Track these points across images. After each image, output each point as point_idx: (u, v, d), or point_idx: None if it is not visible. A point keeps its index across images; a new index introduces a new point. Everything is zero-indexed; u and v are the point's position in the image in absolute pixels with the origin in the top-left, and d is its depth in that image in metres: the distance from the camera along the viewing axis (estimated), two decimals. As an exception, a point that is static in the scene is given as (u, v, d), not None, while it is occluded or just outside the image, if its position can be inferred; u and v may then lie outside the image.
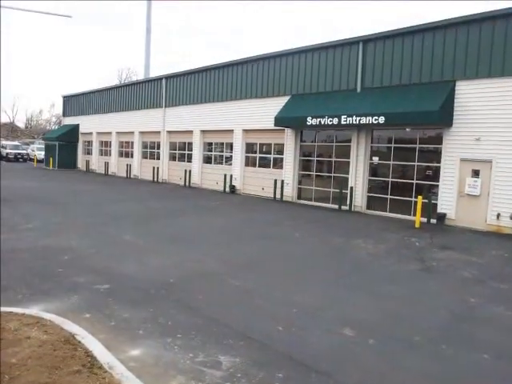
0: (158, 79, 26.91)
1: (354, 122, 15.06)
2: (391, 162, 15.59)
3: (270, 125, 18.51)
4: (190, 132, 24.28)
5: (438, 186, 14.21)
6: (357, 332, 5.22)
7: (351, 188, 16.25)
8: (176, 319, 5.34)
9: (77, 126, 35.96)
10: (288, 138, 18.73)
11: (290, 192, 18.62)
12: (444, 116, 13.40)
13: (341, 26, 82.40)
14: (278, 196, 18.69)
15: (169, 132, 26.30)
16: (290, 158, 18.65)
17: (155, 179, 26.37)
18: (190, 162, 24.47)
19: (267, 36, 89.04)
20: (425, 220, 13.72)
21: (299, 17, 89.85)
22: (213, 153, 23.56)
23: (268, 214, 14.89)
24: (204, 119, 23.22)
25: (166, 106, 26.12)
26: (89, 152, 35.29)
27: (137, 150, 29.12)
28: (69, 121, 37.61)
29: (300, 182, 18.75)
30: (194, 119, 23.88)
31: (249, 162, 21.14)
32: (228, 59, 21.67)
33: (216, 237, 10.58)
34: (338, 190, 16.62)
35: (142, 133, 28.78)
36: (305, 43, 77.78)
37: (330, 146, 17.69)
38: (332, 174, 17.54)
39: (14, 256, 7.79)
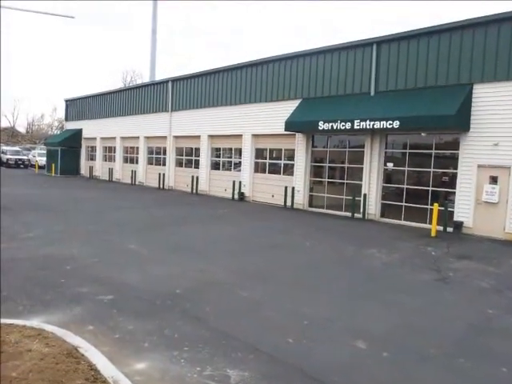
0: (164, 82, 26.66)
1: (368, 127, 14.80)
2: (406, 168, 15.29)
3: (281, 129, 18.30)
4: (198, 137, 24.00)
5: (454, 193, 13.88)
6: (369, 344, 5.10)
7: (364, 195, 15.96)
8: (182, 331, 5.20)
9: (80, 131, 35.51)
10: (299, 144, 18.51)
11: (300, 199, 18.36)
12: (461, 120, 13.10)
13: (341, 26, 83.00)
14: (289, 203, 18.42)
15: (175, 137, 26.02)
16: (301, 163, 18.40)
17: (161, 186, 25.98)
18: (198, 168, 24.14)
19: (267, 36, 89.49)
20: (441, 228, 13.44)
21: (299, 17, 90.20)
22: (221, 159, 23.34)
23: (278, 222, 14.70)
24: (212, 124, 22.95)
25: (172, 110, 25.86)
26: (92, 158, 34.97)
27: (142, 156, 28.87)
28: (71, 125, 37.23)
29: (311, 189, 18.48)
30: (202, 124, 23.59)
31: (258, 168, 20.92)
32: (228, 60, 21.77)
33: (224, 246, 10.42)
34: (350, 198, 16.31)
35: (147, 138, 28.46)
36: (305, 43, 77.92)
37: (343, 151, 17.46)
38: (344, 181, 17.28)
39: (15, 266, 7.66)
